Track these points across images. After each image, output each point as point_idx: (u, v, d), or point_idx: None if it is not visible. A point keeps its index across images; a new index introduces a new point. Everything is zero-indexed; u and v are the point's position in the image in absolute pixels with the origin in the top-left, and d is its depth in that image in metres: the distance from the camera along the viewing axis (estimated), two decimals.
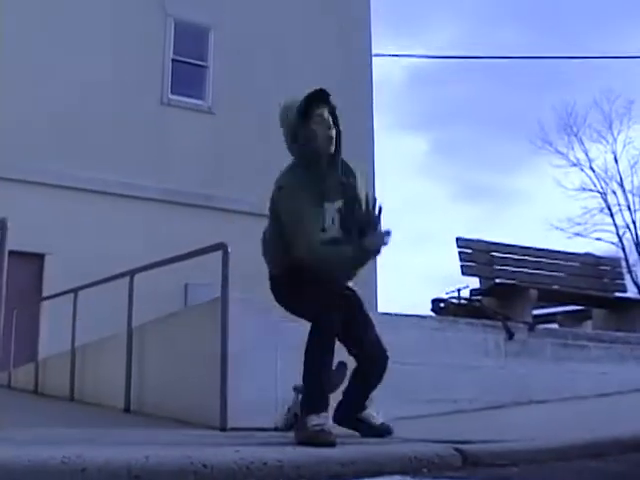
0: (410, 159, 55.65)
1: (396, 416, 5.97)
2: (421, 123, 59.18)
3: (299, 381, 4.79)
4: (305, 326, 4.73)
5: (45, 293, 13.82)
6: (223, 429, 5.62)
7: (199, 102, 17.44)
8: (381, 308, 16.02)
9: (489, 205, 57.11)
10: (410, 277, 49.55)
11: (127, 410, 7.43)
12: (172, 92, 17.12)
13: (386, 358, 5.08)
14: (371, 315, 5.20)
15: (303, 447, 4.23)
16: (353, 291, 5.11)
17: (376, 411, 5.22)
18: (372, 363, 5.06)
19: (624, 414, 6.62)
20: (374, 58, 20.14)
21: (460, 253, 9.14)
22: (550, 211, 58.10)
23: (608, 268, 10.76)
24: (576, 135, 38.94)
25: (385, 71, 54.92)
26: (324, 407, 4.58)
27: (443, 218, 52.60)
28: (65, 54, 15.72)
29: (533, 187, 56.36)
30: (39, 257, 14.94)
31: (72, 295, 10.00)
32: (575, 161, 38.61)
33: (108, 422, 6.75)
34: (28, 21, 15.53)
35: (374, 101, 19.66)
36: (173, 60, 17.30)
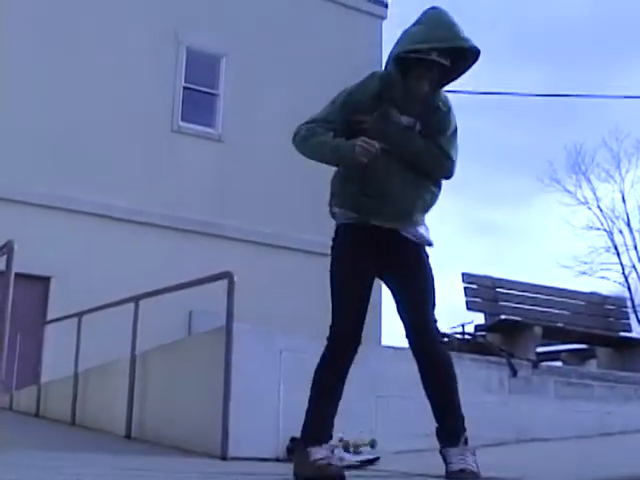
0: None
1: (396, 450, 5.95)
2: None
3: (301, 411, 4.77)
4: (309, 355, 4.67)
5: (50, 316, 13.80)
6: (224, 458, 5.60)
7: (209, 130, 17.52)
8: (385, 340, 16.04)
9: (496, 242, 57.11)
10: None
11: (128, 436, 7.41)
12: (183, 119, 17.20)
13: (436, 352, 4.24)
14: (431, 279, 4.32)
15: None
16: (403, 237, 4.23)
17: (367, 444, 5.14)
18: (417, 359, 4.26)
19: (627, 454, 6.57)
20: None
21: (465, 288, 9.13)
22: (557, 249, 58.02)
23: (613, 307, 10.74)
24: (584, 174, 39.01)
25: None
26: (326, 437, 4.16)
27: (450, 254, 52.51)
28: (76, 79, 15.81)
29: (540, 225, 56.30)
30: (45, 280, 14.96)
31: (76, 319, 9.99)
32: (583, 200, 38.64)
33: (109, 448, 6.72)
34: (36, 46, 15.64)
35: None
36: (184, 87, 17.40)
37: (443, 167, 4.24)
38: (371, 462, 4.95)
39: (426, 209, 4.28)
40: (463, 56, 4.08)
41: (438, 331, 4.26)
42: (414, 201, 4.17)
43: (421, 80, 4.06)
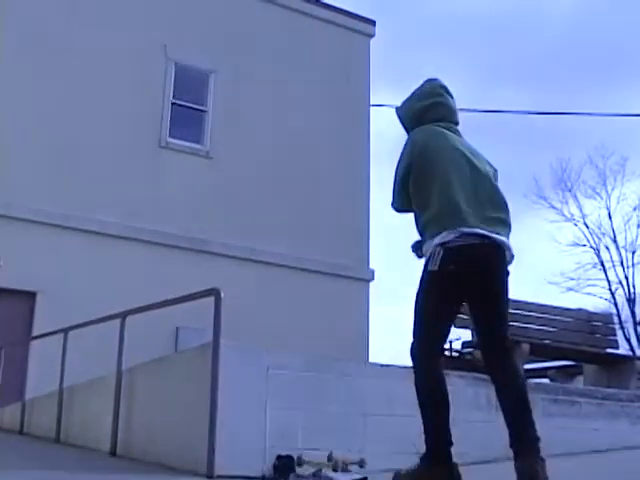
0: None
1: (384, 468, 5.92)
2: None
3: (288, 429, 4.74)
4: (295, 372, 4.65)
5: (36, 331, 13.73)
6: (210, 476, 5.56)
7: (197, 146, 17.51)
8: (372, 357, 16.01)
9: None
10: (402, 328, 49.32)
11: (113, 454, 7.35)
12: (170, 135, 17.19)
13: (508, 367, 4.56)
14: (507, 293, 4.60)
15: None
16: (490, 244, 4.49)
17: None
18: (490, 373, 4.62)
19: (614, 471, 6.57)
20: (372, 110, 20.23)
21: None
22: (544, 266, 58.17)
23: (600, 324, 10.75)
24: (570, 190, 39.21)
25: (380, 127, 55.19)
26: (443, 457, 4.39)
27: None
28: (64, 95, 15.80)
29: (527, 241, 56.37)
30: (31, 295, 14.87)
31: (62, 335, 9.94)
32: (569, 216, 38.84)
33: (93, 466, 6.68)
34: (27, 63, 15.63)
35: (371, 152, 19.70)
36: (173, 103, 17.39)
37: None
38: None
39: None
40: None
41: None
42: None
43: None
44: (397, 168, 4.75)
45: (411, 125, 4.91)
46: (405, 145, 4.78)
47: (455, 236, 4.37)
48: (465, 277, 4.42)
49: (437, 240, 4.42)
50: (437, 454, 4.44)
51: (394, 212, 4.84)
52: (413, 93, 5.08)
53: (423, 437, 4.50)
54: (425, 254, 4.56)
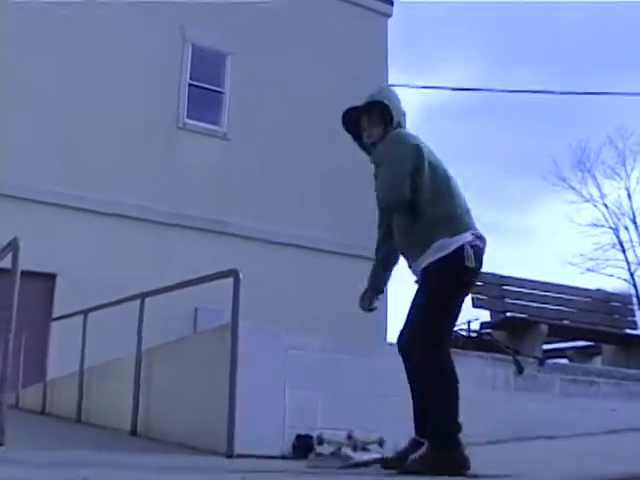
0: None
1: (402, 446, 5.94)
2: None
3: (307, 409, 4.77)
4: (314, 353, 4.67)
5: (56, 313, 13.81)
6: (230, 456, 5.60)
7: (215, 127, 17.50)
8: (390, 338, 16.02)
9: (502, 242, 57.00)
10: None
11: (134, 433, 7.41)
12: (188, 117, 17.19)
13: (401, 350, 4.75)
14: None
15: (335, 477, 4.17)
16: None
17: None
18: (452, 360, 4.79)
19: (633, 452, 6.57)
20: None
21: None
22: (563, 247, 57.99)
23: (619, 304, 10.72)
24: (589, 171, 38.96)
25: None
26: (459, 440, 4.59)
27: None
28: (82, 77, 15.80)
29: (546, 223, 56.38)
30: (51, 277, 14.97)
31: (82, 316, 10.00)
32: (588, 197, 38.62)
33: (114, 445, 6.73)
34: (40, 43, 15.64)
35: None
36: (190, 85, 17.39)
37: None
38: (379, 461, 4.94)
39: (418, 244, 4.76)
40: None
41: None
42: (404, 246, 4.92)
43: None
44: (400, 162, 4.75)
45: (396, 121, 4.98)
46: (403, 139, 4.89)
47: (476, 237, 4.74)
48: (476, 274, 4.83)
49: (464, 239, 4.67)
50: (455, 438, 4.54)
51: (392, 206, 4.81)
52: (394, 93, 5.27)
53: (434, 422, 4.60)
54: (442, 251, 4.65)
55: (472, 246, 4.67)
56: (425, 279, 4.71)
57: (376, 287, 5.19)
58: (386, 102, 5.02)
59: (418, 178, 4.70)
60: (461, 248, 4.64)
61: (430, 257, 4.66)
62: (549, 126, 55.15)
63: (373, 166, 5.08)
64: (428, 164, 4.75)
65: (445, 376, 4.63)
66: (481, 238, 4.79)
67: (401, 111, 5.07)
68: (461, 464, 4.46)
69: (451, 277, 4.66)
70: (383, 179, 4.80)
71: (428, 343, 4.59)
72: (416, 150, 4.77)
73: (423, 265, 4.70)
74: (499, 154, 57.05)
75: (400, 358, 4.71)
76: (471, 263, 4.63)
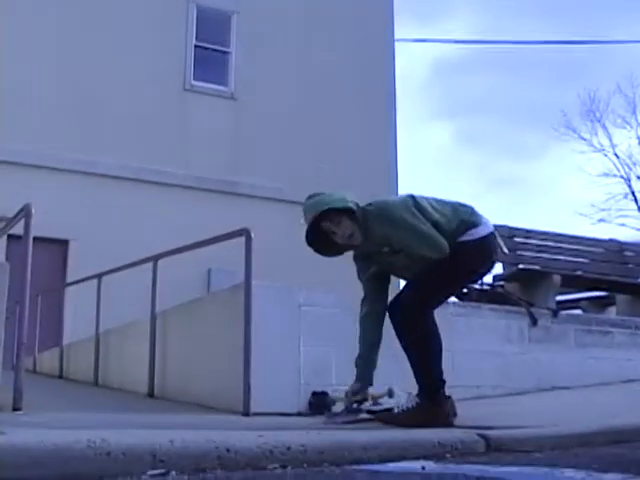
0: (433, 149, 55.53)
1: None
2: (443, 113, 59.12)
3: (322, 366, 4.78)
4: (328, 309, 4.66)
5: (69, 279, 13.88)
6: (246, 414, 5.64)
7: (222, 88, 17.44)
8: None
9: (513, 194, 56.90)
10: None
11: (151, 395, 7.47)
12: (195, 78, 17.13)
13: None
14: None
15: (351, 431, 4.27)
16: None
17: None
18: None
19: None
20: (397, 46, 20.04)
21: None
22: (574, 198, 57.77)
23: (632, 254, 10.68)
24: (599, 121, 38.62)
25: (407, 64, 54.57)
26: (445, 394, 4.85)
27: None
28: (87, 42, 15.76)
29: (557, 174, 56.05)
30: (63, 243, 15.02)
31: (96, 280, 10.04)
32: (599, 147, 38.32)
33: (132, 407, 6.78)
34: (46, 5, 15.58)
35: (397, 89, 19.56)
36: (195, 46, 17.30)
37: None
38: (390, 411, 4.99)
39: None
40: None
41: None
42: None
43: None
44: (411, 218, 4.81)
45: (353, 205, 4.93)
46: (391, 204, 4.98)
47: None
48: None
49: (490, 227, 5.13)
50: (441, 394, 4.79)
51: (444, 254, 4.80)
52: (320, 195, 5.06)
53: (420, 380, 4.83)
54: (477, 234, 4.95)
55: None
56: (460, 250, 4.83)
57: (368, 379, 5.15)
58: (328, 207, 4.89)
59: (430, 215, 4.86)
60: (492, 234, 5.06)
61: (466, 236, 4.89)
62: (558, 76, 54.72)
63: (377, 247, 5.01)
64: (424, 199, 4.96)
65: (434, 340, 4.87)
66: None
67: (343, 197, 4.99)
68: (445, 417, 4.72)
69: (485, 255, 5.06)
70: (413, 241, 4.82)
71: (426, 309, 4.86)
72: (407, 200, 4.92)
73: (459, 240, 4.87)
74: (505, 105, 56.81)
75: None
76: (504, 249, 5.03)
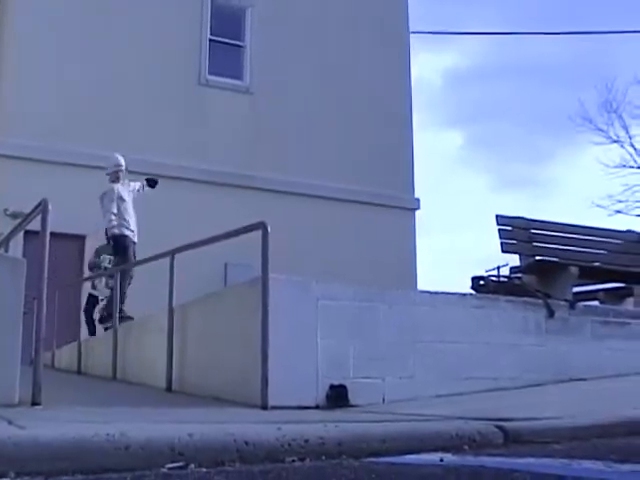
0: (449, 153, 55.68)
1: (436, 393, 5.98)
2: (457, 120, 59.40)
3: (340, 359, 4.79)
4: (345, 302, 4.68)
5: (87, 274, 13.92)
6: (264, 407, 5.65)
7: (237, 82, 17.45)
8: (420, 286, 16.03)
9: (529, 191, 56.91)
10: (448, 261, 49.57)
11: (169, 389, 7.48)
12: (210, 72, 17.14)
13: None
14: None
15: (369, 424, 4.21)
16: None
17: None
18: None
19: None
20: (412, 38, 19.99)
21: (500, 230, 9.07)
22: (591, 189, 57.51)
23: None
24: (616, 112, 38.40)
25: (422, 73, 54.62)
26: None
27: (485, 206, 52.76)
28: (102, 36, 15.79)
29: (573, 166, 55.82)
30: (80, 239, 15.06)
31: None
32: (615, 138, 38.09)
33: (150, 401, 6.80)
34: (65, 2, 15.62)
35: (412, 90, 19.51)
36: (210, 40, 17.31)
37: None
38: None
39: None
40: None
41: None
42: None
43: None
44: None
45: None
46: None
47: None
48: None
49: None
50: None
51: None
52: None
53: None
54: None
55: None
56: None
57: None
58: None
59: None
60: None
61: None
62: (571, 83, 54.54)
63: None
64: None
65: None
66: None
67: None
68: None
69: None
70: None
71: None
72: None
73: None
74: (518, 111, 56.94)
75: (431, 304, 4.75)
76: None
